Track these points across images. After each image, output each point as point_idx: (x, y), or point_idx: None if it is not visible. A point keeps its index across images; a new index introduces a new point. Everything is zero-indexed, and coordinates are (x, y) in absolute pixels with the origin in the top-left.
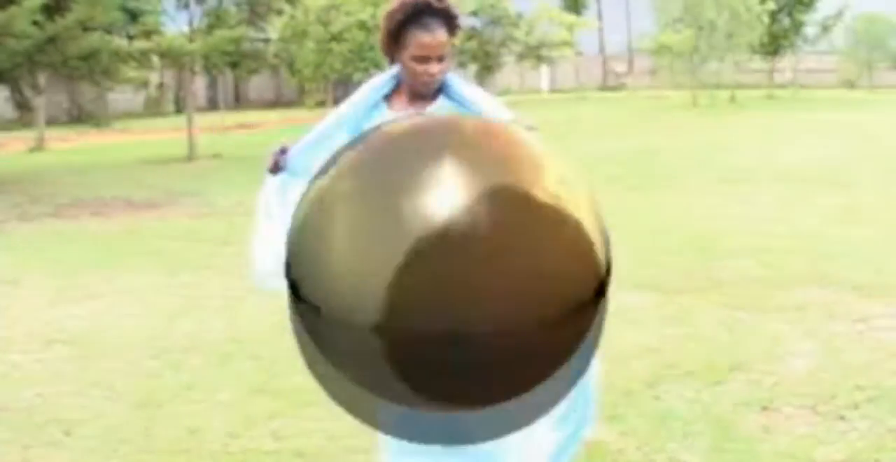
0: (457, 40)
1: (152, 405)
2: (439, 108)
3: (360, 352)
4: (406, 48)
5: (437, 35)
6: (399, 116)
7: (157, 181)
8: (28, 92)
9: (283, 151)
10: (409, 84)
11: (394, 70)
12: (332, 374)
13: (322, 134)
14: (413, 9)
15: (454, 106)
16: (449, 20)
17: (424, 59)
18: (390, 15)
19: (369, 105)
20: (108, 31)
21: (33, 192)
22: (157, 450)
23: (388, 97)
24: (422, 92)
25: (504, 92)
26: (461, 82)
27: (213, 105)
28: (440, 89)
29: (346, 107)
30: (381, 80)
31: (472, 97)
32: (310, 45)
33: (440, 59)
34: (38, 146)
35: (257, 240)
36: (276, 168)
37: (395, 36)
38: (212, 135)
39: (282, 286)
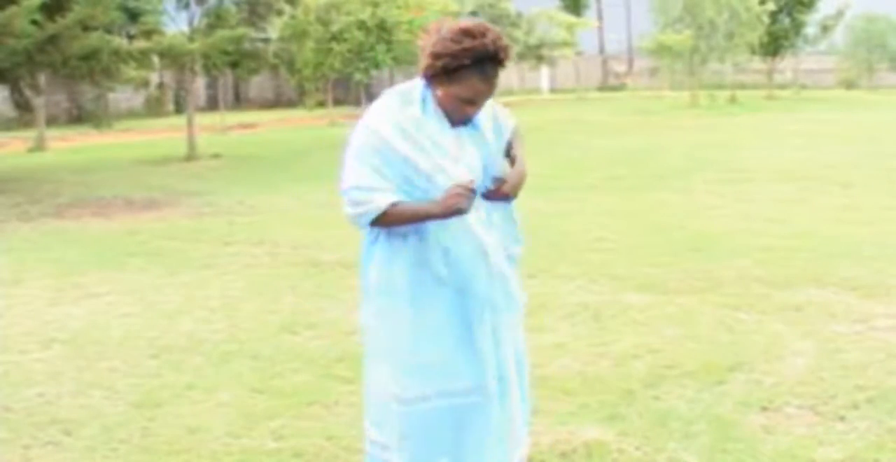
0: None
1: (152, 405)
2: (469, 131)
3: None
4: (457, 86)
5: (493, 83)
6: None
7: (157, 181)
8: (28, 92)
9: None
10: (446, 111)
11: (420, 84)
12: None
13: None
14: (480, 56)
15: (476, 130)
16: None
17: (472, 102)
18: (451, 53)
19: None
20: (108, 31)
21: (33, 192)
22: (157, 450)
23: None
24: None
25: (504, 92)
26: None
27: (213, 105)
28: None
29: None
30: (410, 96)
31: (483, 126)
32: (310, 44)
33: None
34: (38, 146)
35: None
36: None
37: (450, 72)
38: (212, 135)
39: None
